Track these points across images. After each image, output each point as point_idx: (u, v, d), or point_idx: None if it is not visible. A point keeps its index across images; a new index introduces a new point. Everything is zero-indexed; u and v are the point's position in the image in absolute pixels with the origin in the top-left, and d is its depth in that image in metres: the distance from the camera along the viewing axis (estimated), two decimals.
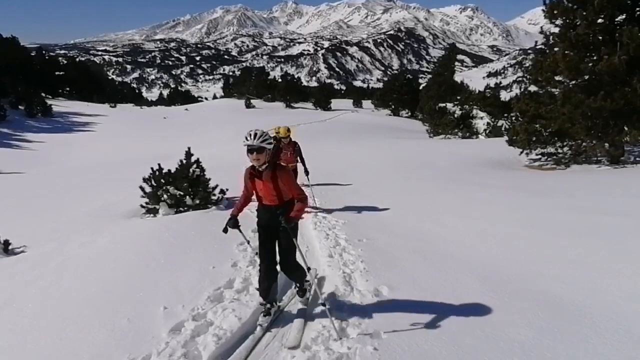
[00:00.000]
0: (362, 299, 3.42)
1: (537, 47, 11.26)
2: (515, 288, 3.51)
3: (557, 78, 10.40)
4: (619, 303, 3.12)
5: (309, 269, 3.28)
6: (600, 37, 9.73)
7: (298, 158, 6.83)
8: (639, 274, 3.56)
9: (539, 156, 11.43)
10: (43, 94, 32.11)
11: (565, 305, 3.14)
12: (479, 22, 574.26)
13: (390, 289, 3.58)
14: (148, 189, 6.57)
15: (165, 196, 6.50)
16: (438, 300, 3.35)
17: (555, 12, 10.15)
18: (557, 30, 10.43)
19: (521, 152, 11.37)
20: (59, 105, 31.34)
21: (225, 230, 3.17)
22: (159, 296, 3.48)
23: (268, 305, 3.23)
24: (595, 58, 9.77)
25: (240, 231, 3.26)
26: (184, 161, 6.76)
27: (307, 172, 6.84)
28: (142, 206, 6.67)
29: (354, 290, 3.62)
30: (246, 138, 2.92)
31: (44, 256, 4.86)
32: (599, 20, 9.52)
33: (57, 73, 41.38)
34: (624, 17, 9.55)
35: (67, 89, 42.49)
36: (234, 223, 3.16)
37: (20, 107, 25.63)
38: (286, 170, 3.16)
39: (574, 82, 10.24)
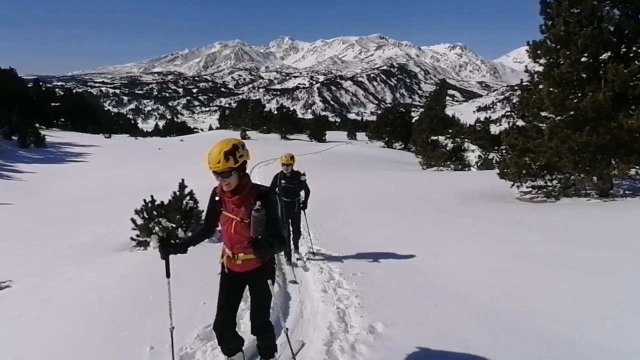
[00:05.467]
0: (356, 336, 3.33)
1: (523, 84, 11.69)
2: (511, 324, 3.45)
3: (543, 114, 10.72)
4: (613, 339, 3.08)
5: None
6: (584, 75, 10.09)
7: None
8: (632, 310, 3.54)
9: (530, 189, 11.58)
10: (37, 125, 32.22)
11: (561, 343, 3.09)
12: (467, 59, 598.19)
13: (385, 325, 3.49)
14: (139, 221, 6.48)
15: (157, 228, 6.41)
16: (434, 337, 3.27)
17: (538, 52, 10.62)
18: (541, 69, 10.87)
19: (512, 185, 11.52)
20: (53, 135, 31.39)
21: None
22: (145, 335, 3.35)
23: None
24: (579, 95, 10.14)
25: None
26: (178, 193, 6.72)
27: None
28: (132, 239, 6.55)
29: (349, 326, 3.53)
30: None
31: (28, 292, 4.69)
32: (583, 59, 9.88)
33: (52, 104, 41.76)
34: (608, 54, 9.92)
35: (62, 119, 42.78)
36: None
37: (13, 137, 25.63)
38: None
39: (559, 117, 10.56)
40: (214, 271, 4.95)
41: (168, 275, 2.73)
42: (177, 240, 2.44)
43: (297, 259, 5.65)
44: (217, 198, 2.52)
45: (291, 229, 5.72)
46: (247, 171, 2.40)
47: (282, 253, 5.57)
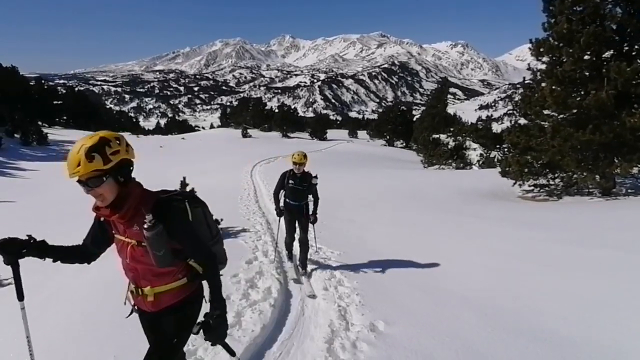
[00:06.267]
0: (357, 334, 3.33)
1: (526, 82, 11.65)
2: (512, 323, 3.44)
3: (545, 112, 10.69)
4: (615, 339, 3.08)
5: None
6: (587, 73, 10.07)
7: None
8: (635, 309, 3.53)
9: (532, 187, 11.55)
10: (40, 123, 32.30)
11: (563, 342, 3.08)
12: (469, 57, 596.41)
13: (387, 323, 3.49)
14: None
15: None
16: (435, 336, 3.27)
17: (541, 50, 10.58)
18: (544, 66, 10.83)
19: (514, 184, 11.50)
20: (55, 133, 31.46)
21: None
22: None
23: None
24: (582, 93, 10.10)
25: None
26: (179, 190, 6.72)
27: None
28: None
29: (350, 324, 3.53)
30: None
31: (30, 290, 4.69)
32: (585, 57, 9.87)
33: (54, 102, 41.82)
34: (611, 52, 9.91)
35: (64, 117, 42.86)
36: None
37: (16, 135, 25.71)
38: None
39: (562, 115, 10.53)
40: None
41: (20, 298, 1.88)
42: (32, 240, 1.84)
43: (302, 275, 4.95)
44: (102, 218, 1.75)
45: (297, 235, 5.20)
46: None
47: (284, 250, 5.52)
